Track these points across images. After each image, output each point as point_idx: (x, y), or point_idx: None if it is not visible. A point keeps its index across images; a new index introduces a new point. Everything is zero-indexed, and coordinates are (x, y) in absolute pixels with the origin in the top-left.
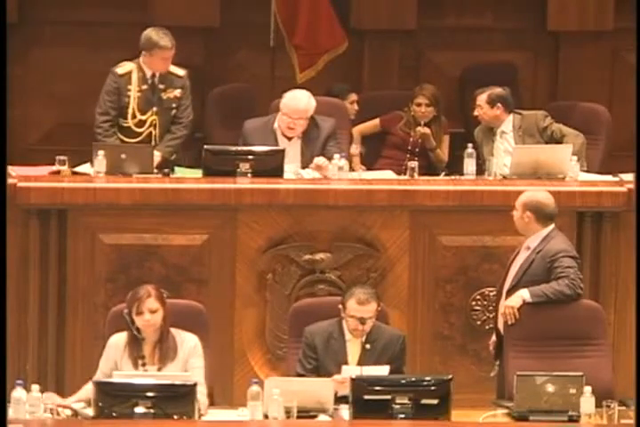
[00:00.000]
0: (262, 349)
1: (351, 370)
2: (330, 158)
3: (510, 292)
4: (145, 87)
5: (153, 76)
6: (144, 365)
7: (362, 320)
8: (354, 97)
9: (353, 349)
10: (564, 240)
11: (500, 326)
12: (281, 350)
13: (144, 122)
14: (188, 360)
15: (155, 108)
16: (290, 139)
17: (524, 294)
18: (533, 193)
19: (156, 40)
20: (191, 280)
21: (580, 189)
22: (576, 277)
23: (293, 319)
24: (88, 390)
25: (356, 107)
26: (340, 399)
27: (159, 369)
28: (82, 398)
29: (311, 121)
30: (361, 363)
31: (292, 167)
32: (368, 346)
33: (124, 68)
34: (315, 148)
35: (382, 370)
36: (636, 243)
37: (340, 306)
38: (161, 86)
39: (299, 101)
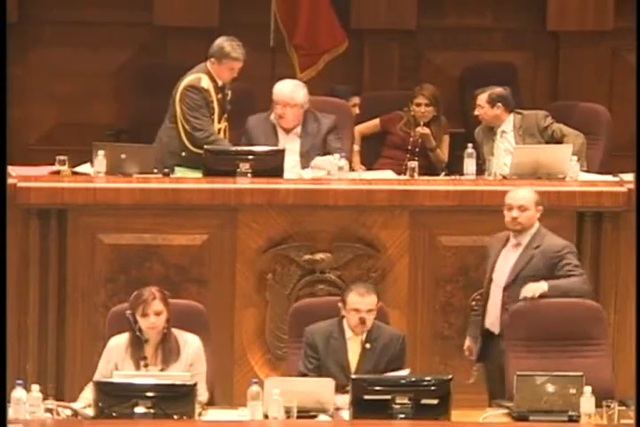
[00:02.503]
0: (262, 349)
1: None
2: (331, 153)
3: (508, 288)
4: (220, 96)
5: (223, 83)
6: (146, 366)
7: (362, 319)
8: (356, 100)
9: (353, 348)
10: (555, 235)
11: (491, 326)
12: (281, 350)
13: (220, 130)
14: (192, 364)
15: (225, 115)
16: (288, 131)
17: (542, 286)
18: (529, 189)
19: (229, 51)
20: (191, 280)
21: (580, 189)
22: (584, 273)
23: (293, 319)
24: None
25: (357, 110)
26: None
27: (162, 370)
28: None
29: (311, 116)
30: (361, 362)
31: (289, 162)
32: (368, 345)
33: (202, 81)
34: (315, 143)
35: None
36: (636, 243)
37: (340, 304)
38: (227, 92)
39: (284, 88)
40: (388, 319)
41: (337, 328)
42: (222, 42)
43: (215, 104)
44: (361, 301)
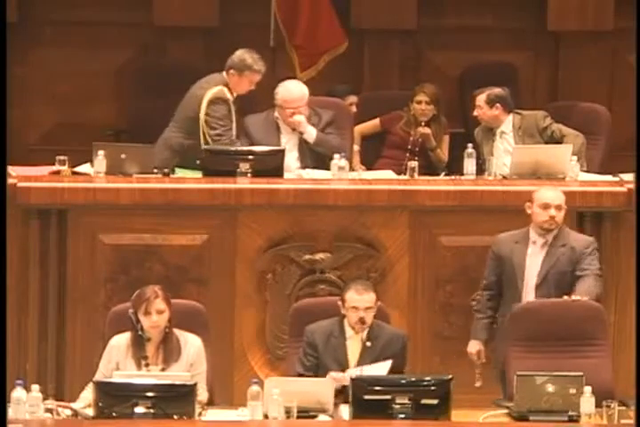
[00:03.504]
0: (262, 349)
1: (356, 372)
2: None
3: (539, 288)
4: (235, 108)
5: (236, 95)
6: (147, 365)
7: (362, 319)
8: (352, 99)
9: (353, 346)
10: (573, 231)
11: None
12: (281, 350)
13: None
14: (193, 365)
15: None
16: (294, 129)
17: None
18: (556, 188)
19: (251, 63)
20: (191, 280)
21: (580, 189)
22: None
23: (293, 319)
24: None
25: (354, 109)
26: (338, 396)
27: (163, 370)
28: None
29: (312, 111)
30: (361, 361)
31: (292, 160)
32: (369, 343)
33: (226, 93)
34: None
35: (385, 365)
36: (636, 243)
37: (340, 302)
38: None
39: (294, 91)
40: (388, 319)
41: (337, 327)
42: (243, 54)
43: (234, 115)
44: (359, 298)
